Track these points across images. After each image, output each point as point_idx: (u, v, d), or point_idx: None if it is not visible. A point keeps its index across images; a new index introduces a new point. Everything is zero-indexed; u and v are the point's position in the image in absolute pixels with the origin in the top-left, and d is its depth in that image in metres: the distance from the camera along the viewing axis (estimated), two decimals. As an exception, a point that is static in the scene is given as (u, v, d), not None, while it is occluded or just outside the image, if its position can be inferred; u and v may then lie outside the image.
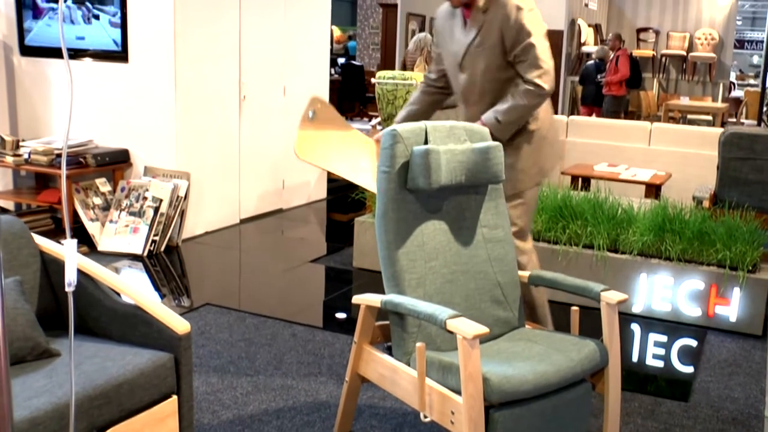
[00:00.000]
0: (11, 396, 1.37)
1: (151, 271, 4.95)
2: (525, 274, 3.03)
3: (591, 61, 10.81)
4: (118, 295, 2.79)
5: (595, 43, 13.12)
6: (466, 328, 2.35)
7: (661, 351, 3.93)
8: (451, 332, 2.40)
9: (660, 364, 3.78)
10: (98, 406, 2.35)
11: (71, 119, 5.85)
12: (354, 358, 2.90)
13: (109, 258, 5.11)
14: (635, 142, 6.42)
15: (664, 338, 4.07)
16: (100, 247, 5.24)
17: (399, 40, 12.03)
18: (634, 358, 3.85)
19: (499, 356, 2.67)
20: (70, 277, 1.27)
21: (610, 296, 2.69)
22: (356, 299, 2.86)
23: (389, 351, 2.79)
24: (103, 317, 2.78)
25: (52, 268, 2.88)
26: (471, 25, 3.35)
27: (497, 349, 2.77)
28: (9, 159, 5.50)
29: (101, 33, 5.54)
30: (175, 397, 2.63)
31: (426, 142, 2.81)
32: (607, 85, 10.33)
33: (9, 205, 5.96)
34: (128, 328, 2.71)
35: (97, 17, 5.55)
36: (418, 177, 2.73)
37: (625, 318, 4.31)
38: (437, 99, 3.72)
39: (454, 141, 2.88)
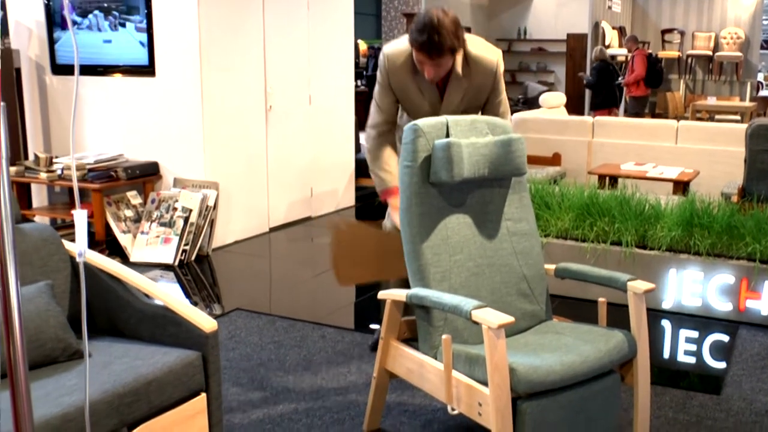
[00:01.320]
0: (30, 398, 1.39)
1: (182, 279, 5.01)
2: (551, 267, 3.01)
3: (596, 64, 10.77)
4: (147, 297, 2.83)
5: (620, 46, 13.05)
6: (491, 317, 2.35)
7: (692, 346, 3.87)
8: (476, 323, 2.40)
9: (691, 359, 3.73)
10: (128, 404, 2.38)
11: (95, 134, 5.96)
12: (381, 354, 2.91)
13: (142, 268, 5.17)
14: (662, 141, 6.37)
15: (695, 334, 4.01)
16: (133, 258, 5.31)
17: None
18: (665, 353, 3.80)
19: (526, 348, 2.66)
20: (81, 248, 1.29)
21: (637, 285, 2.67)
22: (382, 294, 2.87)
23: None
24: (132, 319, 2.82)
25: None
26: (451, 90, 3.26)
27: (524, 341, 2.76)
28: (43, 175, 5.60)
29: (128, 39, 5.64)
30: (204, 394, 2.65)
31: (447, 136, 2.82)
32: (627, 86, 10.25)
33: (45, 220, 6.06)
34: (157, 329, 2.75)
35: (123, 25, 5.65)
36: (441, 170, 2.73)
37: (656, 314, 4.26)
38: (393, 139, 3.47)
39: (476, 134, 2.89)
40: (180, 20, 5.46)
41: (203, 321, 2.65)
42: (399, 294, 2.76)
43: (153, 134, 5.74)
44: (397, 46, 3.29)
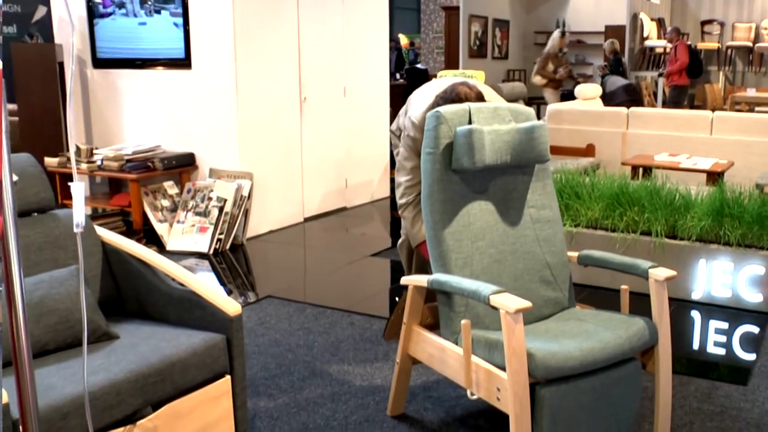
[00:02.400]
0: (35, 385, 1.44)
1: (216, 267, 5.09)
2: (574, 254, 3.01)
3: (610, 57, 10.83)
4: (175, 281, 2.90)
5: (658, 37, 12.85)
6: (508, 302, 2.36)
7: (721, 337, 3.83)
8: (494, 308, 2.41)
9: (719, 350, 3.69)
10: (152, 384, 2.45)
11: (127, 125, 6.07)
12: (404, 339, 2.94)
13: (177, 257, 5.28)
14: (697, 132, 6.27)
15: (724, 325, 3.96)
16: (169, 247, 5.42)
17: (462, 41, 12.03)
18: (693, 344, 3.76)
19: (546, 334, 2.67)
20: (78, 219, 1.34)
21: (659, 273, 2.65)
22: (405, 280, 2.90)
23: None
24: (160, 302, 2.89)
25: (113, 258, 3.01)
26: None
27: (546, 328, 2.77)
28: (84, 166, 5.74)
29: (164, 24, 5.74)
30: (228, 376, 2.71)
31: (470, 123, 2.83)
32: (668, 75, 10.21)
33: (87, 210, 6.21)
34: (184, 312, 2.81)
35: (159, 12, 5.76)
36: (462, 157, 2.75)
37: (685, 305, 4.22)
38: None
39: (498, 122, 2.89)
40: (215, 13, 5.54)
41: (227, 305, 2.71)
42: (421, 279, 2.79)
43: (189, 126, 5.84)
44: (421, 112, 3.34)
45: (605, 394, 2.56)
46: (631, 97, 9.68)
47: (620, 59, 10.58)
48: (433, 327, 2.93)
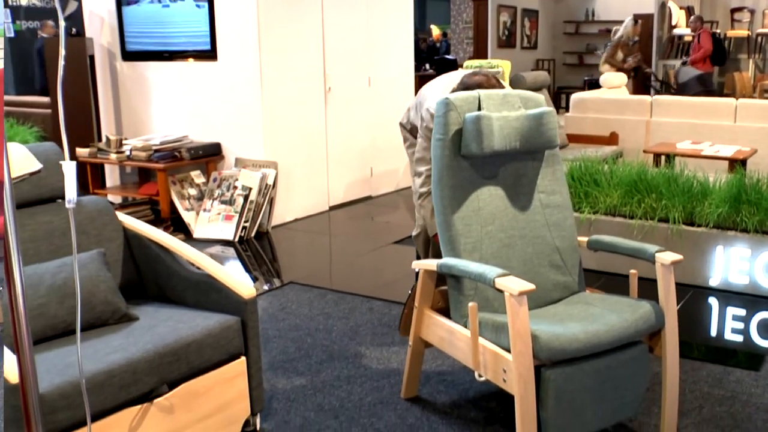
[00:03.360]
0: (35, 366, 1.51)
1: (242, 254, 5.20)
2: (584, 239, 3.04)
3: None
4: (193, 265, 2.99)
5: (687, 26, 12.68)
6: (512, 285, 2.41)
7: (736, 324, 3.82)
8: (500, 291, 2.46)
9: (734, 336, 3.69)
10: (168, 363, 2.54)
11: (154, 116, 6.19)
12: (416, 323, 2.99)
13: (204, 244, 5.39)
14: (721, 120, 6.23)
15: (740, 311, 3.95)
16: (196, 235, 5.53)
17: (490, 31, 12.01)
18: (709, 330, 3.77)
19: (553, 318, 2.71)
20: (70, 196, 1.42)
21: (665, 257, 2.68)
22: (416, 264, 2.96)
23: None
24: (179, 286, 2.99)
25: (134, 243, 3.11)
26: None
27: (554, 311, 2.81)
28: (113, 156, 5.88)
29: (187, 8, 5.85)
30: (243, 358, 2.79)
31: (479, 110, 2.88)
32: (692, 63, 10.18)
33: (117, 198, 6.36)
34: (201, 295, 2.90)
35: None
36: (471, 143, 2.79)
37: (702, 292, 4.22)
38: None
39: (508, 108, 2.93)
40: (239, 5, 5.62)
41: (242, 288, 2.79)
42: (430, 264, 2.84)
43: (215, 116, 5.94)
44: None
45: (611, 376, 2.60)
46: (706, 87, 9.63)
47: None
48: (445, 311, 2.99)
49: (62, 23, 1.38)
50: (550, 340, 2.45)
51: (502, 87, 3.28)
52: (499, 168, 2.94)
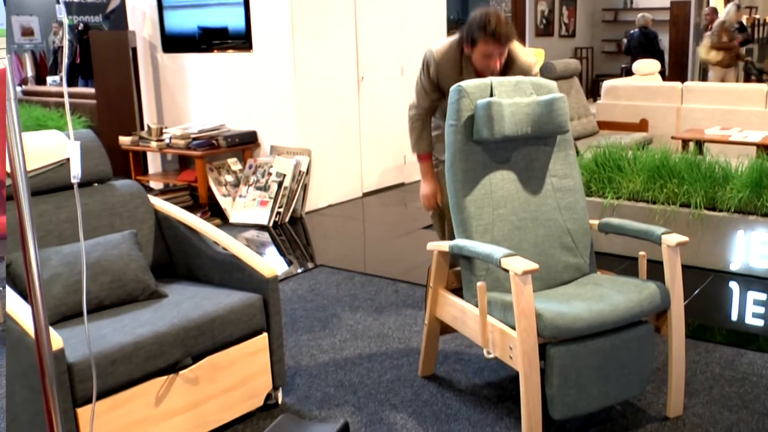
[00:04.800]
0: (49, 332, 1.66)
1: (275, 238, 5.36)
2: (595, 221, 3.12)
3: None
4: (218, 245, 3.14)
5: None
6: (517, 264, 2.50)
7: (755, 308, 3.85)
8: (506, 270, 2.56)
9: (751, 319, 3.72)
10: (193, 337, 2.69)
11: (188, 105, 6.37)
12: (431, 302, 3.11)
13: (239, 228, 5.57)
14: (752, 105, 6.19)
15: (761, 296, 3.98)
16: (232, 220, 5.72)
17: (528, 20, 11.99)
18: (726, 314, 3.80)
19: (561, 297, 2.79)
20: (75, 172, 1.56)
21: (671, 239, 2.74)
22: (430, 246, 3.07)
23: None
24: (206, 265, 3.15)
25: (165, 224, 3.28)
26: None
27: (563, 292, 2.89)
28: (153, 144, 6.10)
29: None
30: (265, 334, 2.94)
31: (491, 96, 2.97)
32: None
33: (158, 184, 6.58)
34: (225, 274, 3.06)
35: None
36: (482, 128, 2.89)
37: (723, 276, 4.25)
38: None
39: (519, 95, 3.02)
40: (275, -4, 5.79)
41: (264, 267, 2.93)
42: (443, 245, 2.95)
43: (251, 105, 6.11)
44: (443, 44, 3.51)
45: (616, 355, 2.68)
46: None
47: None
48: (460, 291, 3.09)
49: (65, 21, 1.52)
50: (554, 319, 2.54)
51: (510, 32, 3.30)
52: (511, 153, 3.03)
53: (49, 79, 10.93)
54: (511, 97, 2.98)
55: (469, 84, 2.96)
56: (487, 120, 2.87)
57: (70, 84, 10.24)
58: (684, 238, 2.73)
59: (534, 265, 2.49)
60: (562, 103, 2.98)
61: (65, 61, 1.44)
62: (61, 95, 8.38)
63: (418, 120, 3.69)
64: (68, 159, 3.11)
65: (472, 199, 2.93)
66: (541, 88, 3.07)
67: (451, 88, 2.99)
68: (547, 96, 2.98)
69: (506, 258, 2.56)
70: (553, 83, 3.12)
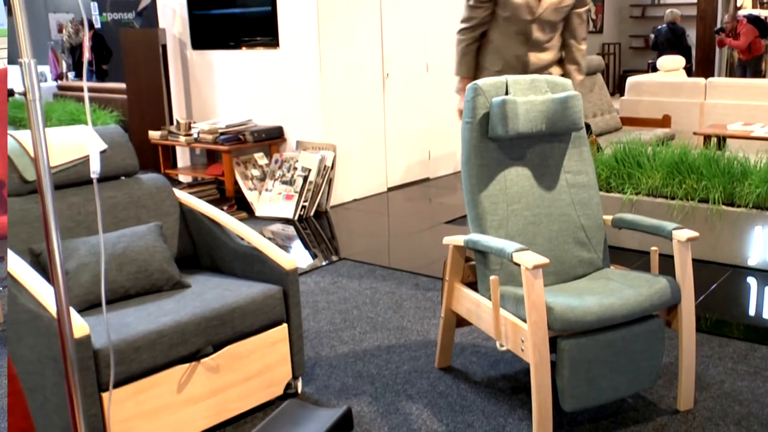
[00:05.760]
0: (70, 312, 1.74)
1: (300, 232, 5.46)
2: (608, 217, 3.16)
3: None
4: (241, 238, 3.24)
5: (753, 7, 12.37)
6: (528, 259, 2.56)
7: (774, 303, 3.88)
8: (517, 264, 2.62)
9: (766, 315, 3.73)
10: (214, 326, 2.79)
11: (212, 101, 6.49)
12: (447, 296, 3.18)
13: (265, 222, 5.68)
14: (775, 101, 6.19)
15: (779, 291, 4.01)
16: (258, 213, 5.83)
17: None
18: (742, 308, 3.82)
19: (573, 291, 2.85)
20: (95, 167, 1.65)
21: (681, 234, 2.78)
22: (446, 240, 3.14)
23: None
24: (228, 257, 3.24)
25: (189, 217, 3.38)
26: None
27: (576, 286, 2.94)
28: (182, 139, 6.23)
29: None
30: (285, 324, 3.03)
31: (506, 95, 3.03)
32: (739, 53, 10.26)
33: (187, 178, 6.72)
34: (247, 266, 3.15)
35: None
36: (497, 126, 2.95)
37: (741, 271, 4.26)
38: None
39: (534, 93, 3.07)
40: (301, -7, 5.88)
41: (284, 259, 3.02)
42: (458, 240, 3.02)
43: (278, 101, 6.22)
44: None
45: (626, 348, 2.72)
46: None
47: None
48: (475, 285, 3.16)
49: (85, 21, 1.61)
50: (564, 312, 2.59)
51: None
52: (526, 149, 3.08)
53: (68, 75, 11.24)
54: (526, 95, 3.04)
55: (485, 82, 3.02)
56: (501, 117, 2.93)
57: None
58: (694, 234, 2.77)
59: (544, 260, 2.55)
60: (577, 101, 3.02)
61: (86, 57, 1.53)
62: (93, 90, 8.57)
63: (462, 42, 3.92)
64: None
65: (486, 195, 2.99)
66: (556, 86, 3.12)
67: (468, 87, 3.05)
68: (561, 94, 3.03)
69: (518, 252, 2.62)
70: (569, 81, 3.17)
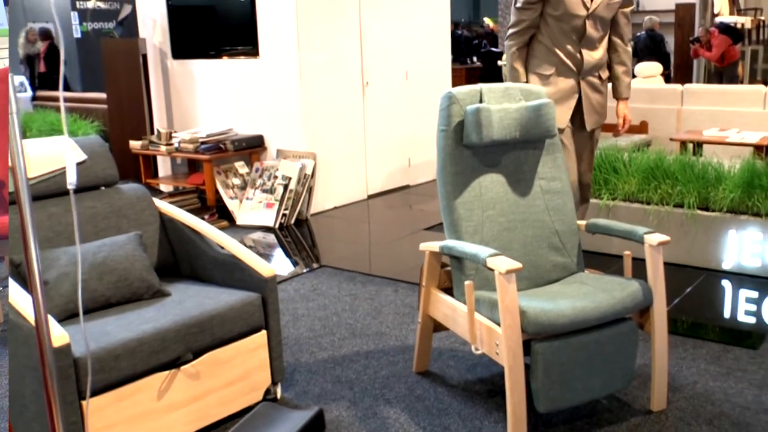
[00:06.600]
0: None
1: (281, 240, 5.49)
2: (582, 222, 3.23)
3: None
4: (220, 247, 3.27)
5: (731, 14, 12.56)
6: (501, 264, 2.62)
7: (745, 305, 3.94)
8: (491, 269, 2.67)
9: (741, 317, 3.81)
10: (194, 334, 2.82)
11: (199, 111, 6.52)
12: (423, 301, 3.22)
13: (246, 230, 5.71)
14: (751, 107, 6.28)
15: (753, 294, 4.06)
16: (239, 222, 5.86)
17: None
18: (717, 311, 3.89)
19: (546, 295, 2.90)
20: (71, 179, 1.68)
21: (653, 238, 2.85)
22: (422, 246, 3.18)
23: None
24: (207, 265, 3.28)
25: (169, 226, 3.41)
26: None
27: (550, 290, 3.00)
28: (163, 148, 6.25)
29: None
30: (264, 331, 3.06)
31: (481, 102, 3.08)
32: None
33: (168, 187, 6.73)
34: (227, 274, 3.19)
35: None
36: (471, 133, 3.01)
37: (715, 275, 4.34)
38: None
39: (509, 100, 3.13)
40: (279, 3, 5.91)
41: (262, 267, 3.06)
42: (434, 246, 3.07)
43: (258, 110, 6.26)
44: None
45: (600, 351, 2.78)
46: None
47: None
48: (452, 290, 3.21)
49: (59, 31, 1.65)
50: (537, 315, 2.65)
51: None
52: (500, 156, 3.14)
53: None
54: (500, 103, 3.10)
55: (459, 91, 3.08)
56: (476, 125, 2.98)
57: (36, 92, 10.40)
58: (665, 238, 2.84)
59: (517, 264, 2.60)
60: (550, 108, 3.09)
61: (62, 68, 1.57)
62: (74, 101, 8.57)
63: (512, 47, 3.96)
64: (77, 164, 3.25)
65: (461, 202, 3.04)
66: (530, 94, 3.18)
67: (442, 95, 3.11)
68: (535, 101, 3.09)
69: (491, 258, 2.67)
70: (542, 89, 3.23)
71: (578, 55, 3.88)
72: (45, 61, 11.06)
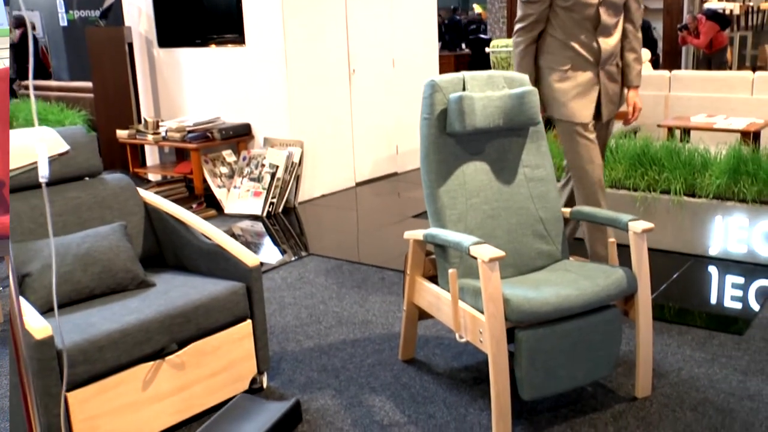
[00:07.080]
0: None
1: (269, 228, 5.49)
2: (567, 210, 3.23)
3: None
4: (205, 236, 3.26)
5: (719, 0, 12.59)
6: (484, 252, 2.62)
7: (731, 291, 3.96)
8: (474, 257, 2.67)
9: (727, 302, 3.83)
10: (178, 324, 2.82)
11: (194, 100, 6.49)
12: (408, 289, 3.23)
13: (234, 219, 5.70)
14: (738, 93, 6.29)
15: (738, 279, 4.09)
16: (226, 210, 5.85)
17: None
18: (703, 297, 3.91)
19: (531, 283, 2.90)
20: (43, 172, 1.67)
21: (637, 225, 2.85)
22: (407, 234, 3.18)
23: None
24: (193, 255, 3.27)
25: (154, 216, 3.40)
26: None
27: (535, 278, 3.00)
28: (150, 137, 6.22)
29: None
30: (249, 321, 3.06)
31: (464, 90, 3.08)
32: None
33: (156, 176, 6.70)
34: (212, 264, 3.18)
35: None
36: (455, 121, 3.00)
37: (702, 261, 4.36)
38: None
39: (492, 88, 3.13)
40: (266, -10, 5.89)
41: (247, 256, 3.05)
42: (418, 234, 3.07)
43: (245, 99, 6.23)
44: None
45: (583, 338, 2.79)
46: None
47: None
48: (436, 278, 3.21)
49: (29, 25, 1.63)
50: (521, 303, 2.65)
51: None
52: (484, 144, 3.14)
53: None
54: (483, 91, 3.09)
55: (442, 79, 3.07)
56: (458, 113, 2.98)
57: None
58: (649, 225, 2.84)
59: (500, 253, 2.60)
60: (533, 96, 3.08)
61: (31, 59, 1.55)
62: (61, 90, 8.51)
63: (519, 45, 3.84)
64: (60, 154, 3.23)
65: (445, 190, 3.04)
66: (513, 81, 3.18)
67: (425, 84, 3.10)
68: (518, 89, 3.09)
69: (475, 246, 2.67)
70: (525, 76, 3.23)
71: (595, 44, 3.74)
72: (15, 49, 10.92)
